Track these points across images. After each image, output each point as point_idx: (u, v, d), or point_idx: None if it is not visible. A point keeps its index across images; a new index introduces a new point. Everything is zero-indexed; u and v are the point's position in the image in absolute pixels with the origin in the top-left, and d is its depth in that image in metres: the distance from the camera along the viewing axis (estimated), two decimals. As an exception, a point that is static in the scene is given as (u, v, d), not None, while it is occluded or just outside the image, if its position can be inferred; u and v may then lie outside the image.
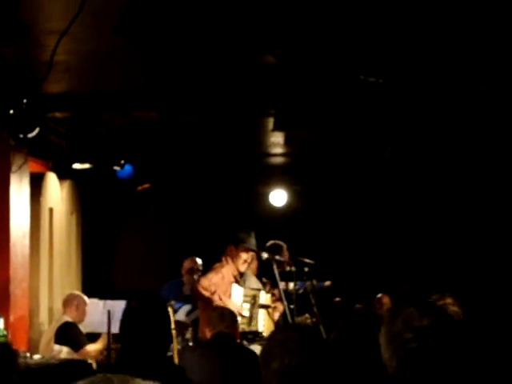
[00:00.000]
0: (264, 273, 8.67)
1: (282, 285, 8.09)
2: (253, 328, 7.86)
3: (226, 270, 7.90)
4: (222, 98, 7.51)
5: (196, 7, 5.05)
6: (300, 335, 2.96)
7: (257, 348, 7.12)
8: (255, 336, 7.81)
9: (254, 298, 8.04)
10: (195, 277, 8.99)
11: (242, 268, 7.98)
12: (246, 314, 7.81)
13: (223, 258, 7.96)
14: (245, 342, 7.51)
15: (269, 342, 3.00)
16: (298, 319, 8.41)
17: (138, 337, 3.90)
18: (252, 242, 7.97)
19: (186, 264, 9.40)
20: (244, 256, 7.93)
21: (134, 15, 4.47)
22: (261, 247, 8.57)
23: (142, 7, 4.52)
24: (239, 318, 7.54)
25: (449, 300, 5.33)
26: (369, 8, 5.21)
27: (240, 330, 7.51)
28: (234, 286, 7.88)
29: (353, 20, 5.38)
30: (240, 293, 7.87)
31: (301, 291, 8.87)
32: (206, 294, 7.70)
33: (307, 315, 8.67)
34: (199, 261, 9.38)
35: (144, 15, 4.54)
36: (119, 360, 4.19)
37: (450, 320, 2.87)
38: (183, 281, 9.33)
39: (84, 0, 4.60)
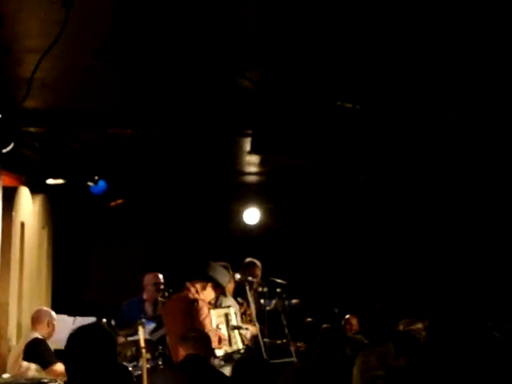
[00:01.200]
0: (239, 293, 8.64)
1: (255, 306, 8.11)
2: (234, 347, 7.79)
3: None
4: (198, 116, 7.52)
5: (175, 30, 5.07)
6: None
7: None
8: (236, 354, 7.73)
9: (226, 316, 8.00)
10: (160, 298, 8.82)
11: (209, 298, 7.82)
12: (225, 334, 7.71)
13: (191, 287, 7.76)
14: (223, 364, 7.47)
15: None
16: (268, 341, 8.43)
17: (82, 357, 3.89)
18: (221, 277, 7.79)
19: (148, 279, 9.20)
20: (212, 294, 7.78)
21: (115, 40, 4.48)
22: (235, 265, 8.57)
23: (123, 32, 4.52)
24: (222, 343, 7.49)
25: (419, 325, 5.35)
26: (347, 34, 5.26)
27: (223, 352, 7.47)
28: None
29: (331, 45, 5.43)
30: (213, 316, 7.76)
31: (268, 308, 8.89)
32: (206, 313, 7.46)
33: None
34: (160, 276, 9.23)
35: (124, 39, 4.55)
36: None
37: (424, 358, 2.89)
38: (144, 297, 9.18)
39: (66, 20, 4.61)
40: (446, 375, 4.04)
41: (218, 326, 7.59)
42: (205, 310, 7.45)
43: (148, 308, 9.06)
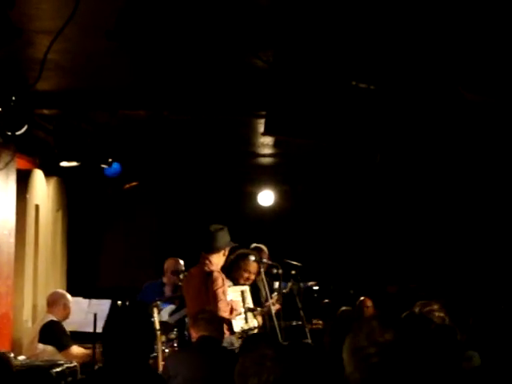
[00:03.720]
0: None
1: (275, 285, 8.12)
2: (250, 325, 7.86)
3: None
4: (212, 98, 7.47)
5: (188, 9, 5.02)
6: (275, 352, 2.97)
7: None
8: (252, 330, 7.80)
9: (243, 293, 8.04)
10: (181, 276, 8.89)
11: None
12: (242, 310, 7.80)
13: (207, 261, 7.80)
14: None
15: (244, 360, 3.00)
16: (284, 323, 8.42)
17: (121, 341, 3.85)
18: (226, 241, 7.85)
19: (169, 265, 9.25)
20: (223, 259, 7.85)
21: (127, 20, 4.43)
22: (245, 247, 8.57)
23: (135, 12, 4.48)
24: (238, 317, 7.56)
25: (435, 306, 5.32)
26: (361, 14, 5.20)
27: (240, 329, 7.56)
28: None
29: (345, 25, 5.36)
30: (229, 291, 7.83)
31: (284, 291, 8.88)
32: (220, 284, 7.53)
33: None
34: (181, 261, 9.28)
35: (137, 20, 4.51)
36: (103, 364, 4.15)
37: (415, 332, 2.87)
38: (164, 281, 9.22)
39: (78, 0, 4.57)
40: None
41: (232, 300, 7.67)
42: (219, 280, 7.51)
43: (168, 292, 9.09)
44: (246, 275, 8.28)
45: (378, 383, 2.71)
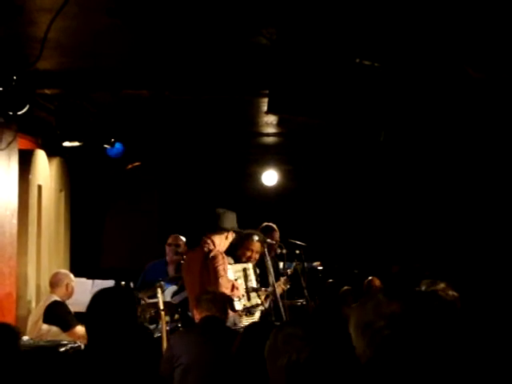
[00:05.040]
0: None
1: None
2: (253, 302, 7.86)
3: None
4: (215, 77, 7.41)
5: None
6: (304, 331, 2.95)
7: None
8: (255, 308, 7.81)
9: (245, 270, 8.02)
10: (182, 261, 8.89)
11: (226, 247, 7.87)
12: (244, 288, 7.79)
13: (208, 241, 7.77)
14: (244, 317, 7.56)
15: (274, 339, 2.99)
16: (288, 302, 8.41)
17: (101, 323, 3.88)
18: (231, 223, 7.82)
19: (170, 239, 9.27)
20: (228, 242, 7.83)
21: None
22: (254, 227, 8.53)
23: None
24: (240, 296, 7.56)
25: (441, 285, 5.28)
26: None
27: (242, 307, 7.56)
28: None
29: (349, 1, 5.30)
30: (231, 271, 7.82)
31: (289, 271, 8.87)
32: (220, 262, 7.51)
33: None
34: (182, 238, 9.26)
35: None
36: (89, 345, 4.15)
37: (421, 303, 2.85)
38: (167, 260, 9.22)
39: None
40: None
41: (235, 280, 7.67)
42: (219, 258, 7.49)
43: (170, 271, 9.08)
44: (248, 253, 8.25)
45: (391, 355, 2.69)
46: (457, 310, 4.33)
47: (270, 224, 9.10)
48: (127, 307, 3.94)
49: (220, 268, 7.42)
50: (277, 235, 8.95)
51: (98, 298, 3.93)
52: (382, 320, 2.71)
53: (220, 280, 7.34)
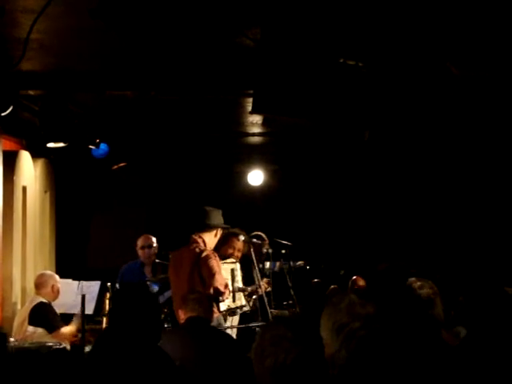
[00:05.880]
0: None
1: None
2: (237, 303, 7.86)
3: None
4: (199, 77, 7.40)
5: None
6: (293, 332, 2.94)
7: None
8: (239, 309, 7.82)
9: (233, 271, 8.01)
10: (157, 260, 8.92)
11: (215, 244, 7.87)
12: (231, 288, 7.80)
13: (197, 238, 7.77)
14: (227, 318, 7.59)
15: (261, 339, 2.97)
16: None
17: (129, 322, 3.88)
18: (219, 220, 7.84)
19: (137, 243, 9.27)
20: (216, 240, 7.84)
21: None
22: (240, 227, 8.53)
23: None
24: (227, 296, 7.56)
25: (418, 283, 5.29)
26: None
27: (226, 307, 7.56)
28: None
29: (333, 2, 5.30)
30: (223, 271, 7.81)
31: (275, 269, 8.88)
32: (214, 260, 7.50)
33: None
34: (152, 238, 9.26)
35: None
36: (100, 342, 4.14)
37: (396, 302, 2.86)
38: (142, 261, 9.21)
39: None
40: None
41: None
42: (212, 257, 7.49)
43: (147, 272, 9.07)
44: (230, 251, 8.26)
45: (366, 357, 2.69)
46: (432, 308, 4.34)
47: (260, 233, 9.10)
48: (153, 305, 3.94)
49: (215, 265, 7.42)
50: (265, 245, 8.97)
51: (123, 295, 3.92)
52: (357, 321, 2.71)
53: (216, 276, 7.34)
